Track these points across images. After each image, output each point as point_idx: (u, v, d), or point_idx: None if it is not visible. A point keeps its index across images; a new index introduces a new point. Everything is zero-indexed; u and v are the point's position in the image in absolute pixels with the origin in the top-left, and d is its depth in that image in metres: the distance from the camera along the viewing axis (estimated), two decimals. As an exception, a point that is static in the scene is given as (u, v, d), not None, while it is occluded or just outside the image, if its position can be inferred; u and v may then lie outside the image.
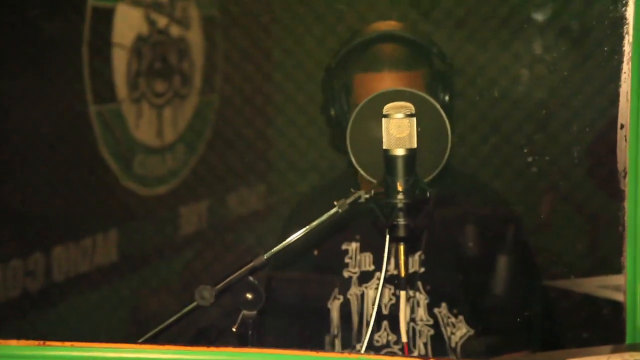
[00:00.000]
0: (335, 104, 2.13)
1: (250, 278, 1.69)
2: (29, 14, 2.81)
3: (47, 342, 1.58)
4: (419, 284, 2.14)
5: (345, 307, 2.19)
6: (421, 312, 2.13)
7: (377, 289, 2.15)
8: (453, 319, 2.14)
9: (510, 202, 2.37)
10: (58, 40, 2.93)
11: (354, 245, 2.20)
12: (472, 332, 2.14)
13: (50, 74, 2.91)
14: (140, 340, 1.66)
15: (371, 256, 2.19)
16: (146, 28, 3.23)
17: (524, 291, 2.19)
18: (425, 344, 2.13)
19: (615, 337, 1.67)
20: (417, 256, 2.13)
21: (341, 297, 2.20)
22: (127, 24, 3.18)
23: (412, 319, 2.13)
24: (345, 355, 1.58)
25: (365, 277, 2.18)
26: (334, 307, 2.21)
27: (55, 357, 1.57)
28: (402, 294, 1.72)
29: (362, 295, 2.18)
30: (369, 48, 2.11)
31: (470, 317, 2.14)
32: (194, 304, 1.68)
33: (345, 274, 2.20)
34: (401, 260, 1.70)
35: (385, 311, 2.15)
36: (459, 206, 2.21)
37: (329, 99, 2.15)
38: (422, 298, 2.14)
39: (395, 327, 2.13)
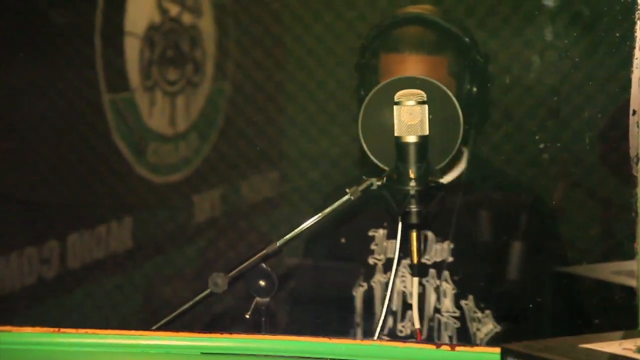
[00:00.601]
0: (365, 84, 2.12)
1: (263, 265, 1.69)
2: (41, 3, 2.82)
3: (62, 329, 1.60)
4: (447, 273, 2.11)
5: (368, 295, 2.18)
6: (447, 303, 2.10)
7: (403, 277, 2.14)
8: (480, 314, 2.11)
9: (539, 195, 2.34)
10: (71, 29, 2.94)
11: (381, 232, 2.18)
12: (498, 328, 2.10)
13: (63, 63, 2.92)
14: (153, 328, 1.67)
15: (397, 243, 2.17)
16: (158, 16, 3.24)
17: (555, 286, 2.16)
18: (450, 337, 2.10)
19: (628, 322, 1.66)
20: (445, 245, 2.11)
21: (365, 285, 2.19)
22: (140, 13, 3.18)
23: (438, 310, 2.10)
24: (358, 341, 1.59)
25: (389, 265, 2.15)
26: (358, 294, 2.20)
27: (70, 343, 1.59)
28: (415, 280, 1.73)
29: (387, 283, 2.15)
30: (395, 29, 2.10)
31: (497, 313, 2.09)
32: (207, 291, 1.69)
33: (371, 261, 2.18)
34: (414, 247, 1.70)
35: (410, 300, 2.10)
36: (492, 197, 2.19)
37: (360, 80, 2.15)
38: (449, 288, 2.10)
39: (419, 318, 2.11)
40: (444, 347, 1.53)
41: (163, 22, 3.25)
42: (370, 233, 2.18)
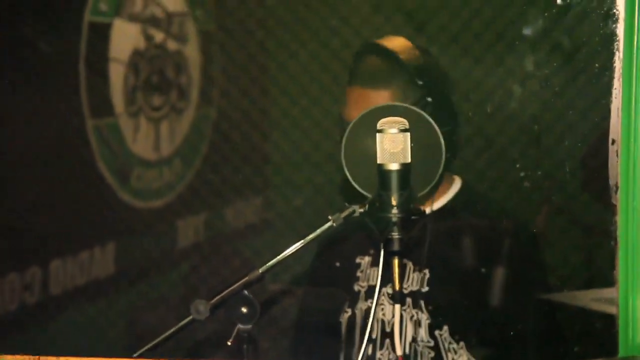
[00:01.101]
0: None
1: (246, 292, 1.70)
2: (26, 30, 2.83)
3: (42, 357, 1.59)
4: (422, 302, 2.12)
5: (351, 321, 2.19)
6: (422, 333, 2.12)
7: (381, 305, 2.15)
8: (455, 345, 2.12)
9: (519, 219, 2.36)
10: (55, 56, 2.94)
11: (366, 259, 2.20)
12: None
13: (48, 89, 2.92)
14: (135, 354, 1.67)
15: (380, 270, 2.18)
16: (143, 42, 3.25)
17: (528, 306, 2.18)
18: None
19: (608, 350, 1.68)
20: (421, 274, 2.12)
21: (349, 311, 2.20)
22: (124, 39, 3.19)
23: (414, 339, 2.11)
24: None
25: (372, 292, 2.16)
26: (344, 320, 2.21)
27: (50, 371, 1.58)
28: (397, 307, 1.73)
29: (367, 310, 2.17)
30: (356, 61, 2.16)
31: (472, 345, 2.11)
32: (190, 318, 1.68)
33: (355, 288, 2.20)
34: (395, 273, 1.70)
35: (388, 328, 2.13)
36: (468, 225, 2.21)
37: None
38: (423, 318, 2.11)
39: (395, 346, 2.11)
40: (425, 375, 1.53)
41: (148, 48, 3.26)
42: (357, 260, 2.19)
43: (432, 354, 2.10)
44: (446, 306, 2.11)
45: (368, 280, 2.17)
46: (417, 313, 2.11)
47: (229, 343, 1.69)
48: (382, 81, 2.11)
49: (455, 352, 2.10)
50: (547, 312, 2.21)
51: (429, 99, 2.09)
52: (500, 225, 2.23)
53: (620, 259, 1.64)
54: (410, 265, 2.13)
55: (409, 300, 2.11)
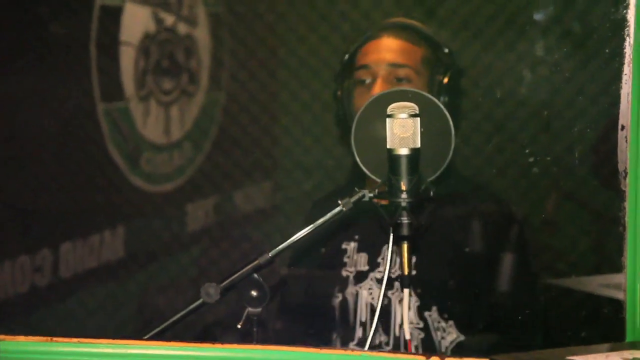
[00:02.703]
0: (343, 85, 2.20)
1: (255, 275, 1.71)
2: (37, 13, 2.83)
3: (55, 338, 1.60)
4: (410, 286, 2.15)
5: (343, 306, 2.22)
6: (411, 315, 2.15)
7: (370, 289, 2.18)
8: (443, 324, 2.15)
9: (507, 203, 2.39)
10: (66, 39, 2.95)
11: (352, 245, 2.22)
12: (462, 337, 2.15)
13: (58, 72, 2.93)
14: (146, 337, 1.68)
15: (366, 256, 2.21)
16: (153, 26, 3.25)
17: (520, 290, 2.20)
18: (416, 347, 2.14)
19: (616, 335, 1.68)
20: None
21: (340, 296, 2.23)
22: (135, 22, 3.19)
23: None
24: (349, 352, 1.60)
25: (360, 277, 2.21)
26: (336, 305, 2.23)
27: (63, 352, 1.59)
28: (406, 292, 1.74)
29: (357, 295, 2.20)
30: (370, 39, 2.20)
31: (461, 323, 2.15)
32: (200, 301, 1.70)
33: (343, 273, 2.22)
34: (405, 258, 1.71)
35: (377, 312, 2.16)
36: (454, 208, 2.23)
37: (339, 88, 2.21)
38: (412, 300, 2.15)
39: (386, 329, 2.15)
40: (433, 358, 1.54)
41: (158, 31, 3.27)
42: (343, 246, 2.22)
43: (422, 335, 2.13)
44: (434, 287, 2.13)
45: (355, 266, 2.20)
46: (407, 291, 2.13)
47: (239, 326, 1.70)
48: (416, 40, 2.14)
49: (444, 330, 2.14)
50: (555, 297, 2.22)
51: (453, 65, 2.13)
52: (485, 206, 2.26)
53: (629, 244, 1.64)
54: (396, 249, 2.15)
55: (396, 284, 2.14)
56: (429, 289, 2.14)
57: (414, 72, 2.08)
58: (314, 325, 2.26)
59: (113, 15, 3.09)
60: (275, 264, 1.75)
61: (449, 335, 2.14)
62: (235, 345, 1.59)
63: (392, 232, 1.70)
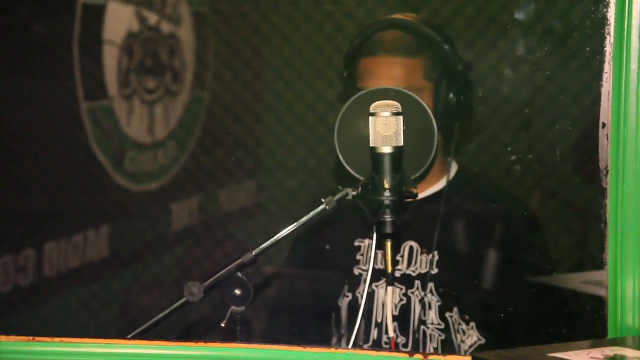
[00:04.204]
0: (347, 91, 2.13)
1: (239, 274, 1.71)
2: (20, 12, 2.82)
3: (37, 338, 1.60)
4: (431, 285, 2.11)
5: (353, 305, 2.17)
6: (432, 315, 2.11)
7: (382, 287, 2.14)
8: (464, 326, 2.11)
9: (528, 206, 2.36)
10: (48, 38, 2.94)
11: (367, 242, 2.18)
12: (483, 341, 2.11)
13: (41, 72, 2.92)
14: (129, 336, 1.68)
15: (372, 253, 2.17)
16: (137, 25, 3.25)
17: (540, 299, 2.18)
18: (435, 349, 2.10)
19: (597, 332, 1.69)
20: (430, 256, 2.11)
21: (350, 295, 2.19)
22: (118, 21, 3.19)
23: (423, 322, 2.10)
24: (332, 350, 1.60)
25: (376, 275, 2.12)
26: (344, 305, 2.21)
27: (44, 352, 1.59)
28: (389, 289, 1.74)
29: (372, 293, 2.15)
30: (374, 34, 2.14)
31: (482, 325, 2.10)
32: (183, 300, 1.70)
33: (356, 271, 2.19)
34: (388, 256, 1.71)
35: (395, 312, 2.12)
36: (479, 209, 2.20)
37: (343, 88, 2.17)
38: (433, 300, 2.11)
39: (404, 329, 2.12)
40: (417, 356, 1.55)
41: (141, 30, 3.26)
42: (356, 243, 2.19)
43: (443, 337, 2.10)
44: (456, 288, 2.11)
45: (370, 263, 2.16)
46: (426, 295, 2.12)
47: (223, 325, 1.70)
48: (413, 50, 2.10)
49: (464, 333, 2.10)
50: (539, 294, 2.22)
51: (459, 65, 2.10)
52: (501, 207, 2.24)
53: (610, 241, 1.66)
54: (417, 247, 2.13)
55: (417, 282, 2.11)
56: (450, 289, 2.10)
57: (415, 90, 2.00)
58: (319, 325, 2.23)
59: (96, 14, 3.08)
60: (264, 264, 1.75)
61: (468, 338, 2.10)
62: (218, 344, 1.59)
63: (376, 231, 1.71)
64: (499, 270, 2.14)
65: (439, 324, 2.11)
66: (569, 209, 2.63)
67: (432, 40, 2.10)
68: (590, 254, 2.24)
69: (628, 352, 1.47)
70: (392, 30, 2.14)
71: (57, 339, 1.60)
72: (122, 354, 1.60)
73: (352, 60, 2.15)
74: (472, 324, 2.11)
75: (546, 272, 2.22)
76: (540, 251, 2.22)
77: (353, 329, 2.14)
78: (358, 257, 2.19)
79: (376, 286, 2.14)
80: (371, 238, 2.14)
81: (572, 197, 2.59)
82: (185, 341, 1.61)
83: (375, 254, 1.77)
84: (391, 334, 1.86)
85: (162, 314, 1.71)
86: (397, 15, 2.17)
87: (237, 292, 1.70)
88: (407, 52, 2.10)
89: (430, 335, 2.11)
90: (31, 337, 1.60)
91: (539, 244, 2.23)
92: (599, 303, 1.71)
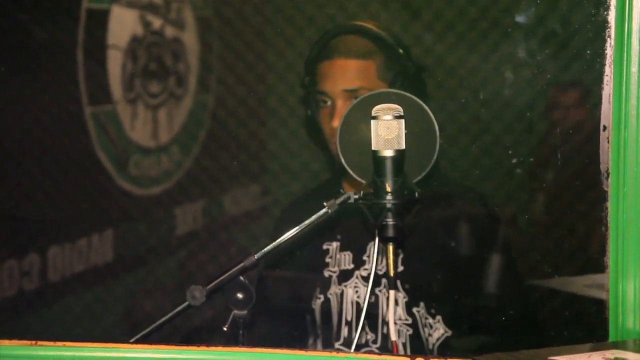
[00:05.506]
0: (309, 95, 2.23)
1: (241, 278, 1.71)
2: (24, 17, 2.83)
3: (39, 342, 1.60)
4: (398, 282, 2.16)
5: (325, 307, 2.22)
6: (399, 311, 2.15)
7: (356, 287, 2.19)
8: (431, 320, 2.16)
9: (492, 204, 2.40)
10: (53, 43, 2.95)
11: (334, 245, 2.23)
12: (449, 333, 2.15)
13: (45, 76, 2.93)
14: (132, 340, 1.68)
15: (351, 255, 2.22)
16: (141, 29, 3.26)
17: (503, 291, 2.21)
18: (404, 344, 2.15)
19: (599, 335, 1.69)
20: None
21: (322, 297, 2.23)
22: (122, 26, 3.20)
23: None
24: (334, 354, 1.61)
25: (345, 276, 2.21)
26: (317, 306, 2.23)
27: (47, 357, 1.59)
28: (392, 293, 1.75)
29: (342, 294, 2.20)
30: (330, 40, 2.21)
31: (448, 318, 2.15)
32: (185, 303, 1.70)
33: (326, 274, 2.23)
34: (390, 259, 1.72)
35: (363, 310, 2.16)
36: (441, 207, 2.24)
37: (304, 93, 2.25)
38: (400, 297, 2.15)
39: (373, 326, 2.15)
40: (418, 359, 1.55)
41: (145, 35, 3.27)
42: (325, 247, 2.22)
43: (411, 331, 2.14)
44: (421, 283, 2.14)
45: (339, 265, 2.21)
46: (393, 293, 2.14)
47: (225, 329, 1.71)
48: (367, 53, 2.15)
49: (431, 327, 2.14)
50: (539, 298, 2.24)
51: (411, 66, 2.15)
52: (464, 203, 2.27)
53: (611, 244, 1.66)
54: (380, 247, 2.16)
55: (384, 281, 2.15)
56: (416, 285, 2.15)
57: (368, 90, 2.05)
58: (296, 327, 2.27)
59: (100, 19, 3.09)
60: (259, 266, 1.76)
61: (435, 331, 2.15)
62: (221, 348, 1.59)
63: (378, 234, 1.71)
64: (462, 264, 2.18)
65: (406, 320, 2.14)
66: (570, 212, 2.63)
67: (386, 44, 2.16)
68: (592, 257, 2.25)
69: (629, 355, 1.47)
70: (349, 35, 2.21)
71: (59, 344, 1.61)
72: (125, 358, 1.61)
73: (312, 65, 2.23)
74: (439, 317, 2.14)
75: (508, 263, 2.24)
76: (500, 244, 2.24)
77: (327, 329, 2.18)
78: (327, 259, 2.22)
79: (345, 286, 2.19)
80: (338, 240, 2.20)
81: (573, 200, 2.59)
82: (187, 345, 1.61)
83: (375, 255, 1.78)
84: (394, 337, 1.86)
85: (164, 318, 1.72)
86: (356, 22, 2.23)
87: (240, 295, 1.71)
88: (361, 54, 2.16)
89: (399, 331, 2.14)
90: (33, 342, 1.61)
91: (498, 237, 2.25)
92: (600, 306, 1.71)
